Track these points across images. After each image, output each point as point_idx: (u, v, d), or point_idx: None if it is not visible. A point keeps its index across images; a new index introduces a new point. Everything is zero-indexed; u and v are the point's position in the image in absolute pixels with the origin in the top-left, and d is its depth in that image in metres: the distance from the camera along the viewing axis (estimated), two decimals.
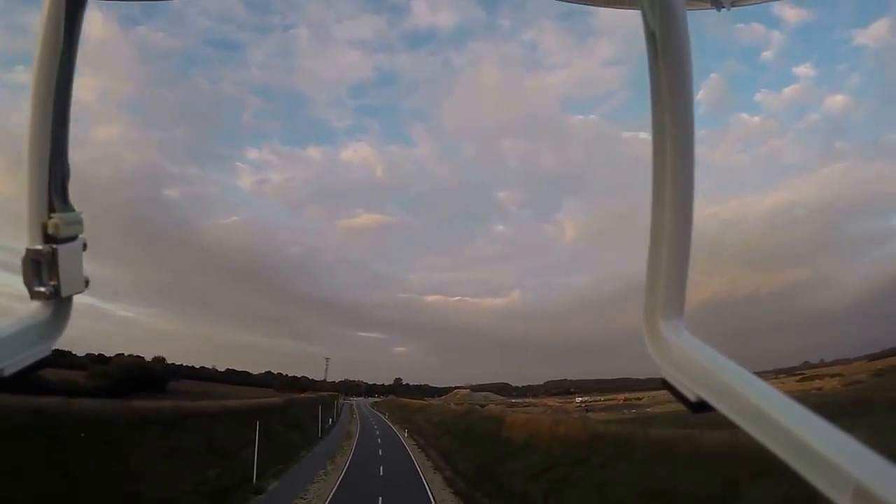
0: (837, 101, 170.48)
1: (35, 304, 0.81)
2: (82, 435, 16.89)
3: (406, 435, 45.04)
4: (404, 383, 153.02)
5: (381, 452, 33.48)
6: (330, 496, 20.77)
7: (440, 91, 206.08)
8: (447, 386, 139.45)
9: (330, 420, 53.20)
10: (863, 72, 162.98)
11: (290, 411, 44.74)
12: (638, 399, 78.39)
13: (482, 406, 69.48)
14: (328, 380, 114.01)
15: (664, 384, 0.78)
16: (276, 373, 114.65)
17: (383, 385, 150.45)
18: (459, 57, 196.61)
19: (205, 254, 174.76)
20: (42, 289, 0.80)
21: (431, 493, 21.53)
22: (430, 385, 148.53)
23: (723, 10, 0.99)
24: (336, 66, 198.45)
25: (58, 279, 0.80)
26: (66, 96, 0.82)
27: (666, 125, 0.80)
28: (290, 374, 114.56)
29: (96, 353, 60.71)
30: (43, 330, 0.80)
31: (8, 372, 0.74)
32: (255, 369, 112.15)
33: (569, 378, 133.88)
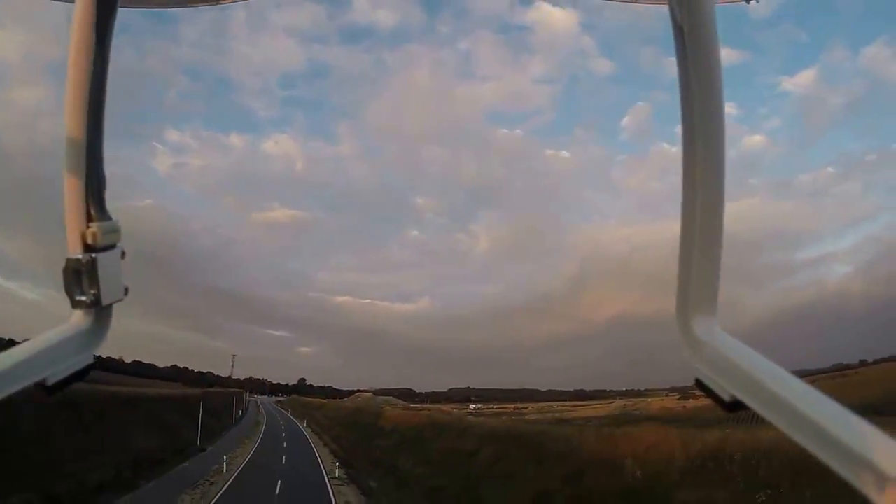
0: (756, 140, 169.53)
1: (76, 313, 0.83)
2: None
3: (305, 424, 56.49)
4: (308, 384, 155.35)
5: (284, 434, 44.89)
6: (249, 456, 32.48)
7: (370, 90, 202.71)
8: (351, 389, 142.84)
9: (240, 412, 62.98)
10: (783, 116, 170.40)
11: (209, 402, 54.68)
12: (525, 408, 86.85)
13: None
14: (233, 377, 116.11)
15: (697, 384, 0.77)
16: (182, 367, 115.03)
17: (287, 385, 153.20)
18: (393, 57, 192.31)
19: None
20: (83, 297, 0.81)
21: (320, 457, 33.69)
22: (334, 387, 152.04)
23: (752, 2, 1.04)
24: (269, 53, 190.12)
25: (98, 288, 0.81)
26: (100, 105, 0.85)
27: (696, 120, 0.79)
28: (195, 370, 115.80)
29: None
30: (85, 338, 0.82)
31: (52, 381, 0.77)
32: (162, 362, 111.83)
33: (472, 386, 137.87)
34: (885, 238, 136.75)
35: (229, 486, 23.31)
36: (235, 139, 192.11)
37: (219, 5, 1.19)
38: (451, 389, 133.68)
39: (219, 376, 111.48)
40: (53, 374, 0.77)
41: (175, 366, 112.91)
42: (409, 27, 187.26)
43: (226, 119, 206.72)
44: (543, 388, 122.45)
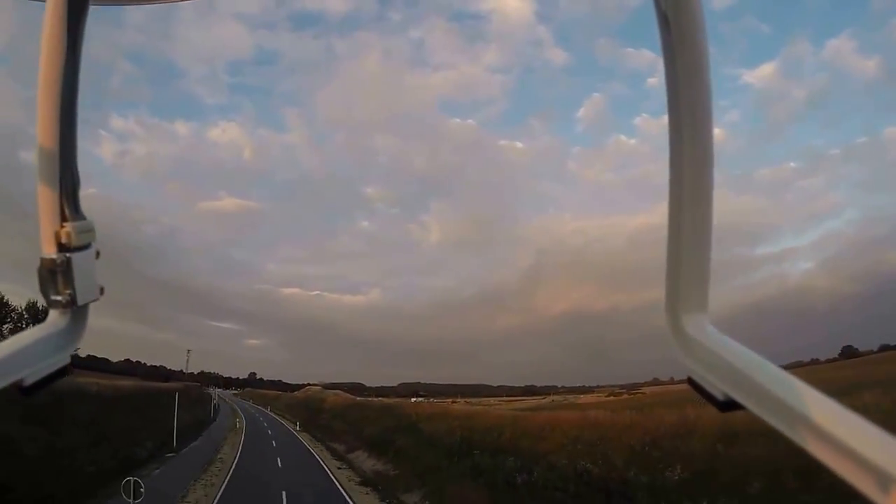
0: (715, 133, 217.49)
1: (52, 313, 0.85)
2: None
3: (269, 410, 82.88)
4: (258, 377, 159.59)
5: (259, 417, 71.02)
6: (244, 423, 58.47)
7: (319, 78, 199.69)
8: (300, 382, 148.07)
9: (214, 401, 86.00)
10: (743, 109, 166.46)
11: (188, 394, 76.98)
12: (457, 401, 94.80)
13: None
14: (187, 371, 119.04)
15: (690, 383, 0.78)
16: (134, 360, 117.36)
17: (238, 378, 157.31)
18: (343, 45, 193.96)
19: None
20: (58, 298, 0.83)
21: (289, 428, 60.11)
22: (284, 381, 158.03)
23: None
24: (215, 39, 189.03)
25: (73, 288, 0.84)
26: (73, 104, 0.87)
27: (683, 111, 0.79)
28: (148, 363, 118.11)
29: None
30: (61, 339, 0.85)
31: (28, 381, 0.79)
32: (114, 356, 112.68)
33: (422, 381, 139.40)
34: (848, 234, 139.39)
35: (245, 433, 49.42)
36: (181, 127, 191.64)
37: (193, 1, 1.25)
38: (400, 384, 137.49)
39: (171, 370, 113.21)
40: (30, 375, 0.79)
41: (128, 360, 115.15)
42: (359, 14, 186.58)
43: (171, 106, 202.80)
44: (495, 384, 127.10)
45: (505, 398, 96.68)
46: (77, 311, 0.87)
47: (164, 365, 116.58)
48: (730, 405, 0.72)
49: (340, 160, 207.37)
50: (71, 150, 0.88)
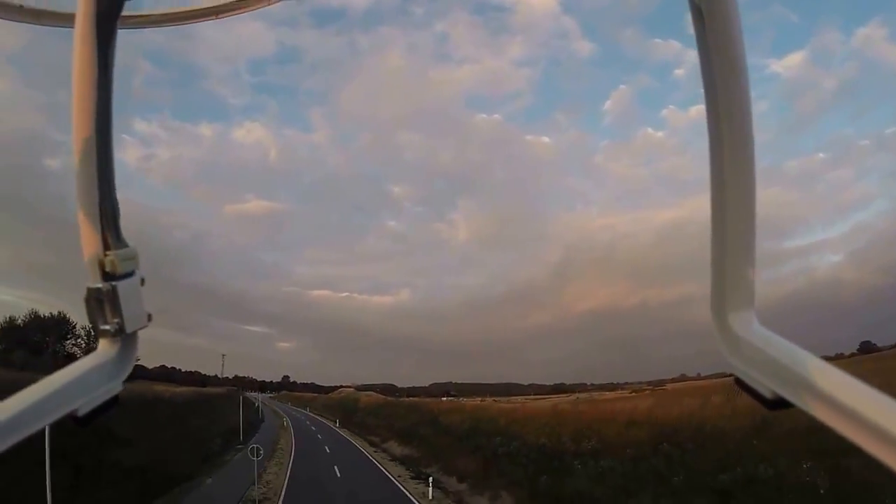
0: None
1: (103, 342, 0.88)
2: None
3: (308, 410, 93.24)
4: (292, 381, 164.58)
5: (301, 417, 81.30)
6: (290, 421, 68.63)
7: (343, 75, 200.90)
8: (333, 384, 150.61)
9: (256, 404, 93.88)
10: (771, 99, 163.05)
11: (230, 398, 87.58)
12: (485, 400, 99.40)
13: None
14: (222, 375, 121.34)
15: (737, 382, 0.79)
16: (169, 367, 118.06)
17: (272, 382, 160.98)
18: (366, 40, 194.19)
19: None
20: (107, 327, 0.86)
21: (329, 425, 70.06)
22: (317, 383, 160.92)
23: None
24: (237, 38, 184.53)
25: (121, 316, 0.86)
26: (107, 130, 0.88)
27: (720, 104, 0.79)
28: (182, 369, 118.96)
29: None
30: (112, 367, 0.87)
31: (82, 412, 0.81)
32: (150, 363, 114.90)
33: (454, 381, 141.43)
34: (878, 226, 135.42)
35: (294, 429, 59.49)
36: (205, 129, 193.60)
37: (218, 19, 1.17)
38: (432, 384, 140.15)
39: (206, 375, 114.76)
40: (84, 405, 0.81)
41: (163, 366, 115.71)
42: (381, 9, 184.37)
43: (195, 108, 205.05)
44: (525, 383, 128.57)
45: (532, 396, 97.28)
46: (126, 339, 0.90)
47: (198, 370, 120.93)
48: (779, 403, 0.73)
49: (366, 159, 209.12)
50: (109, 178, 0.90)
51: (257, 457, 25.43)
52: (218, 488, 27.32)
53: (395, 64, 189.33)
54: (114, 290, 0.86)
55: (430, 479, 26.92)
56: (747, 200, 0.80)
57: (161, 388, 56.02)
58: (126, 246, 0.91)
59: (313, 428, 63.69)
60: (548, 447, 26.39)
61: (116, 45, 0.88)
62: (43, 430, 0.75)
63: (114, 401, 0.87)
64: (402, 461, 35.91)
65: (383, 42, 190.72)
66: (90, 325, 0.88)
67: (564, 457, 24.10)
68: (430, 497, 24.44)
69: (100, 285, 0.86)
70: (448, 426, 42.48)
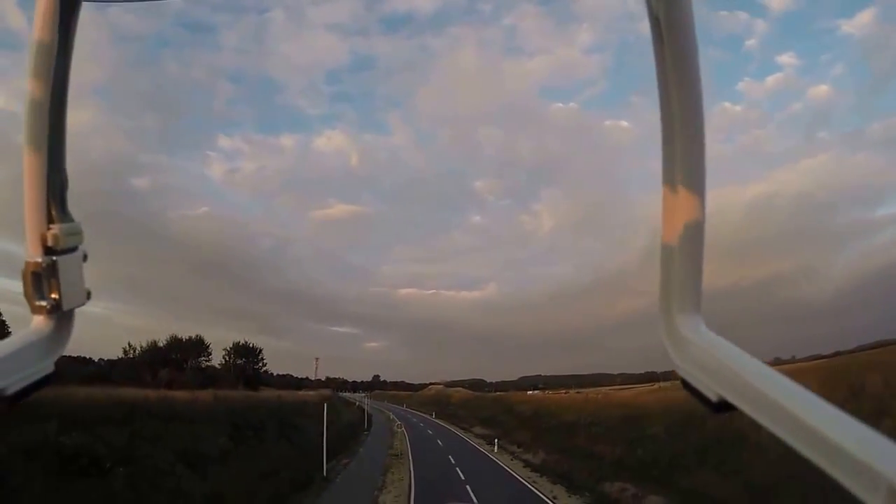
0: (821, 90, 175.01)
1: (36, 319, 0.86)
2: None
3: (405, 406, 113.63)
4: (382, 380, 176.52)
5: (401, 412, 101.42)
6: (394, 418, 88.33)
7: (417, 77, 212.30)
8: (422, 382, 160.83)
9: (357, 403, 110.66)
10: (847, 62, 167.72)
11: (331, 400, 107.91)
12: (577, 392, 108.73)
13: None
14: (314, 378, 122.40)
15: (683, 384, 0.82)
16: (262, 371, 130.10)
17: (363, 381, 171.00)
18: (437, 42, 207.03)
19: (174, 246, 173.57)
20: (43, 302, 0.84)
21: (427, 416, 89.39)
22: (407, 381, 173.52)
23: None
24: (311, 52, 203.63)
25: (59, 292, 0.85)
26: (62, 104, 0.89)
27: (674, 113, 0.84)
28: (275, 373, 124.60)
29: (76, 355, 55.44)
30: (45, 345, 0.86)
31: (11, 391, 0.79)
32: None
33: (542, 374, 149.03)
34: None
35: (400, 420, 78.73)
36: (286, 139, 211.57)
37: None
38: (521, 378, 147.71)
39: (300, 378, 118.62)
40: (13, 384, 0.79)
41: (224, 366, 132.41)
42: (449, 9, 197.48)
43: (275, 120, 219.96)
44: (615, 372, 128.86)
45: (616, 386, 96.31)
46: (62, 317, 0.88)
47: (290, 373, 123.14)
48: (722, 406, 0.75)
49: (446, 156, 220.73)
50: (59, 150, 0.90)
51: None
52: (369, 451, 46.22)
53: (467, 62, 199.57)
54: (53, 265, 0.86)
55: (496, 441, 45.36)
56: (697, 208, 0.84)
57: (270, 393, 75.63)
58: (71, 220, 0.91)
59: (414, 419, 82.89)
60: (569, 423, 43.21)
61: (80, 18, 0.90)
62: None
63: (45, 380, 0.86)
64: (482, 437, 53.72)
65: (454, 41, 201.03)
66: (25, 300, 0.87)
67: (577, 427, 40.85)
68: (496, 450, 42.83)
69: (39, 259, 0.86)
70: (518, 413, 59.80)
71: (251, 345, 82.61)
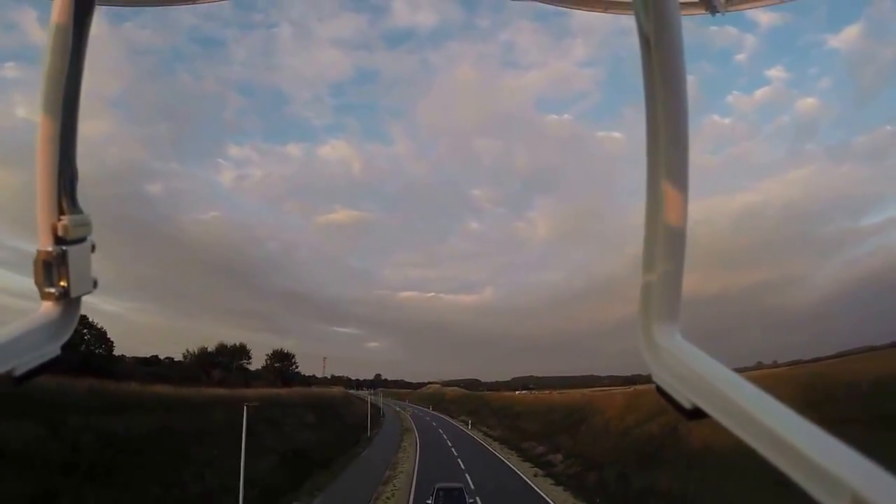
0: (808, 103, 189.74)
1: (45, 305, 0.95)
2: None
3: (407, 402, 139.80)
4: (383, 378, 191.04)
5: (405, 406, 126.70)
6: (402, 410, 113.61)
7: (418, 90, 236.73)
8: (420, 381, 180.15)
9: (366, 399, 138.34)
10: (834, 76, 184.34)
11: (347, 397, 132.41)
12: (559, 392, 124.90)
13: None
14: (321, 376, 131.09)
15: (658, 391, 0.88)
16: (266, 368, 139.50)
17: (366, 380, 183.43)
18: (437, 56, 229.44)
19: (185, 249, 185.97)
20: (52, 289, 0.94)
21: (425, 409, 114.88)
22: (406, 380, 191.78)
23: (717, 14, 1.18)
24: (317, 65, 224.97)
25: (67, 280, 0.94)
26: (75, 99, 0.98)
27: (660, 129, 0.90)
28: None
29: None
30: (52, 330, 0.94)
31: (18, 372, 0.88)
32: (252, 365, 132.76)
33: (535, 375, 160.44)
34: None
35: (408, 412, 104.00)
36: (293, 148, 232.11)
37: (194, 5, 1.34)
38: (513, 378, 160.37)
39: (307, 376, 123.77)
40: (21, 365, 0.88)
41: (261, 367, 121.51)
42: (448, 25, 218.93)
43: (282, 130, 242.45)
44: (603, 374, 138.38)
45: (598, 388, 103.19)
46: (69, 303, 0.98)
47: (297, 372, 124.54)
48: (696, 413, 0.81)
49: (445, 166, 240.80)
50: (71, 144, 0.99)
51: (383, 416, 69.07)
52: (389, 427, 71.96)
53: (465, 75, 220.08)
54: (63, 254, 0.95)
55: (469, 423, 71.93)
56: (679, 221, 0.91)
57: (280, 391, 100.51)
58: (80, 212, 1.00)
59: (415, 411, 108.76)
60: (519, 412, 67.99)
61: (94, 18, 0.99)
62: None
63: (51, 363, 0.95)
64: (463, 422, 79.19)
65: (453, 56, 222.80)
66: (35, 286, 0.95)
67: (527, 414, 65.69)
68: (469, 428, 68.74)
69: (50, 248, 0.95)
70: (492, 407, 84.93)
71: (286, 351, 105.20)
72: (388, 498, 28.85)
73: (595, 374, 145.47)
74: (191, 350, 76.02)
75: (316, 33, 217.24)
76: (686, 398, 0.82)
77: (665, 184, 0.91)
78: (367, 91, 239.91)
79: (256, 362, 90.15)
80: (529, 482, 33.51)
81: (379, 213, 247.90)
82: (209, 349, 78.83)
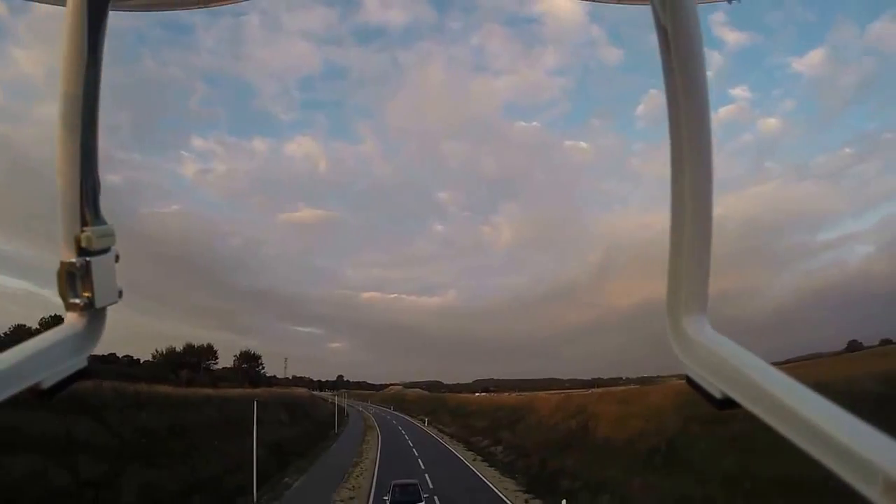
0: (770, 123, 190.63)
1: (70, 316, 0.96)
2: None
3: (369, 402, 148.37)
4: (346, 380, 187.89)
5: (368, 407, 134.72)
6: (366, 410, 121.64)
7: (387, 89, 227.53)
8: (383, 383, 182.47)
9: (330, 400, 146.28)
10: (797, 98, 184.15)
11: (315, 397, 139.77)
12: (510, 394, 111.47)
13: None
14: (282, 376, 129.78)
15: (689, 382, 0.90)
16: (228, 368, 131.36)
17: (328, 381, 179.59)
18: (408, 56, 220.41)
19: (144, 242, 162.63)
20: (77, 301, 0.94)
21: (387, 410, 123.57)
22: (368, 382, 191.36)
23: (733, 2, 1.19)
24: (285, 58, 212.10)
25: (92, 291, 0.94)
26: (94, 109, 0.97)
27: (682, 120, 0.91)
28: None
29: None
30: (79, 341, 0.96)
31: (46, 384, 0.89)
32: (217, 365, 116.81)
33: (496, 377, 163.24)
34: None
35: (373, 412, 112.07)
36: (258, 143, 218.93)
37: (207, 8, 1.36)
38: (475, 381, 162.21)
39: (269, 377, 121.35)
40: (48, 378, 0.89)
41: (226, 368, 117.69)
42: (420, 25, 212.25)
43: (248, 124, 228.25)
44: (565, 378, 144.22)
45: (554, 391, 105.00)
46: (95, 314, 0.98)
47: (263, 373, 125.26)
48: (727, 403, 0.83)
49: (412, 167, 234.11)
50: (92, 155, 0.99)
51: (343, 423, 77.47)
52: (354, 424, 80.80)
53: (436, 77, 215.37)
54: (87, 266, 0.95)
55: (426, 421, 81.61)
56: (705, 212, 0.93)
57: (255, 391, 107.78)
58: (104, 223, 1.01)
59: (377, 411, 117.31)
60: (478, 410, 76.92)
61: (107, 24, 0.99)
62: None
63: (78, 375, 0.96)
64: (421, 420, 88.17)
65: (424, 56, 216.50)
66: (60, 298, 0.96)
67: (478, 413, 74.53)
68: (426, 426, 78.34)
69: (73, 260, 0.95)
70: (448, 407, 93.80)
71: (253, 352, 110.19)
72: (357, 476, 37.77)
73: (556, 377, 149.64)
74: (159, 350, 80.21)
75: (285, 25, 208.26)
76: (717, 388, 0.85)
77: (690, 173, 0.94)
78: (335, 88, 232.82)
79: (220, 362, 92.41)
80: (469, 465, 43.04)
81: (344, 213, 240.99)
82: (177, 349, 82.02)
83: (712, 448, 28.70)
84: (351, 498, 31.06)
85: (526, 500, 30.52)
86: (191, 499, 29.28)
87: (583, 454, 38.27)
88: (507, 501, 30.27)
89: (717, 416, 32.73)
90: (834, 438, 0.67)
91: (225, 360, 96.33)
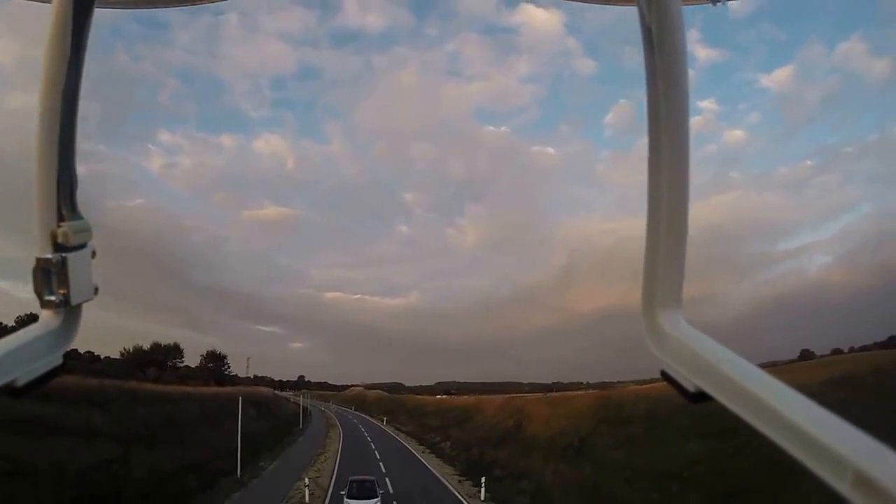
0: (735, 135, 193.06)
1: (45, 313, 0.95)
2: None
3: (331, 403, 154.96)
4: (307, 380, 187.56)
5: (330, 407, 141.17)
6: (328, 411, 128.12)
7: (359, 91, 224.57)
8: (344, 384, 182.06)
9: (291, 399, 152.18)
10: (762, 111, 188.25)
11: (276, 397, 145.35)
12: (477, 396, 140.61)
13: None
14: (244, 375, 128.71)
15: (663, 375, 0.92)
16: (192, 366, 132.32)
17: (289, 381, 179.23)
18: (382, 59, 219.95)
19: (106, 236, 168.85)
20: (52, 297, 0.93)
21: (348, 410, 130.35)
22: (330, 383, 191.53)
23: (718, 3, 1.22)
24: (260, 57, 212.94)
25: (68, 287, 0.93)
26: (74, 105, 0.97)
27: (662, 118, 0.94)
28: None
29: None
30: (54, 339, 0.95)
31: (21, 382, 0.88)
32: (182, 364, 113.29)
33: (458, 380, 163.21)
34: (863, 228, 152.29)
35: (330, 412, 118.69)
36: (227, 139, 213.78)
37: (194, 6, 1.34)
38: (437, 383, 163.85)
39: (230, 375, 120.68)
40: (23, 376, 0.88)
41: (187, 366, 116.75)
42: (397, 30, 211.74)
43: (217, 120, 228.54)
44: (525, 381, 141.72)
45: (514, 394, 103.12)
46: (70, 311, 0.97)
47: (228, 373, 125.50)
48: (700, 397, 0.85)
49: (380, 168, 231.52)
50: (70, 150, 0.98)
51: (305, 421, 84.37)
52: (317, 422, 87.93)
53: (408, 81, 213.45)
54: (63, 262, 0.94)
55: (385, 420, 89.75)
56: (681, 208, 0.94)
57: (212, 389, 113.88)
58: (80, 218, 0.99)
59: (339, 410, 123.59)
60: (433, 411, 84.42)
61: (92, 21, 0.98)
62: None
63: (54, 372, 0.95)
64: (380, 420, 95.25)
65: (398, 61, 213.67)
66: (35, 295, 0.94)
67: (433, 413, 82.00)
68: (384, 424, 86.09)
69: (49, 256, 0.94)
70: (407, 408, 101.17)
71: (219, 352, 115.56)
72: (322, 461, 45.77)
73: (517, 381, 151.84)
74: (126, 348, 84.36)
75: (263, 24, 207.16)
76: (690, 382, 0.86)
77: (667, 171, 0.96)
78: (307, 87, 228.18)
79: (185, 361, 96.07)
80: (419, 456, 51.24)
81: (309, 212, 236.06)
82: (144, 347, 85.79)
83: (609, 444, 37.48)
84: (317, 476, 38.46)
85: (459, 480, 38.71)
86: (186, 477, 35.96)
87: (513, 447, 46.63)
88: (444, 480, 38.43)
89: (622, 418, 43.56)
90: (805, 432, 0.68)
91: (188, 359, 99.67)
